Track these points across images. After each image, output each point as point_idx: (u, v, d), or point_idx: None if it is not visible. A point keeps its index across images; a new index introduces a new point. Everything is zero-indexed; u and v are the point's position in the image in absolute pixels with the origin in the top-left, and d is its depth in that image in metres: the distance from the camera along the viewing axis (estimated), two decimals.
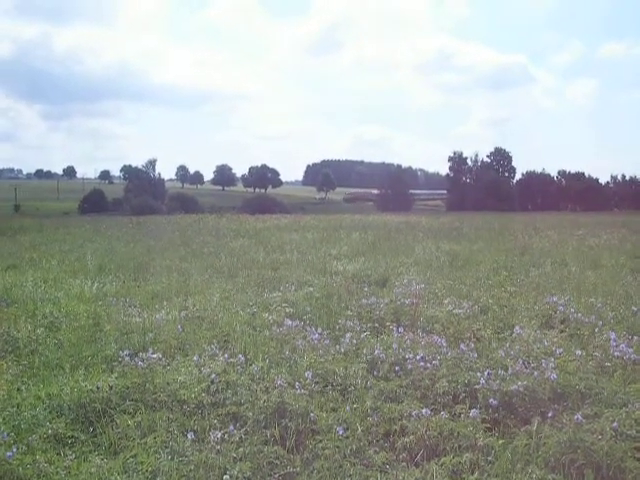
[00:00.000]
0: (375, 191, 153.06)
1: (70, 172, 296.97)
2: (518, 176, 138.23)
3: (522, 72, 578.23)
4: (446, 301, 13.60)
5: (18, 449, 6.48)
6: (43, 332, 11.59)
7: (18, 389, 8.49)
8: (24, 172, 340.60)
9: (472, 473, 5.99)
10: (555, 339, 10.17)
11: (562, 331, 11.28)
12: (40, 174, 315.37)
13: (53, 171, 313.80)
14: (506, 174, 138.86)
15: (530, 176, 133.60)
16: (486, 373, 8.10)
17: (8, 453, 6.25)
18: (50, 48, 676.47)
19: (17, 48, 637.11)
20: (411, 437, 6.70)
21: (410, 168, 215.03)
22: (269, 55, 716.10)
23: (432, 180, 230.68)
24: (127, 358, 9.04)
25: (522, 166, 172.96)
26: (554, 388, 7.80)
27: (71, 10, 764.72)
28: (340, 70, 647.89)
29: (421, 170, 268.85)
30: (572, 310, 12.43)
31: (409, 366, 8.73)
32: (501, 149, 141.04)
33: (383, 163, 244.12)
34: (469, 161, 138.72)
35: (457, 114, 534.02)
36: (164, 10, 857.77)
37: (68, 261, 23.22)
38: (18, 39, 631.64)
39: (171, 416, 7.43)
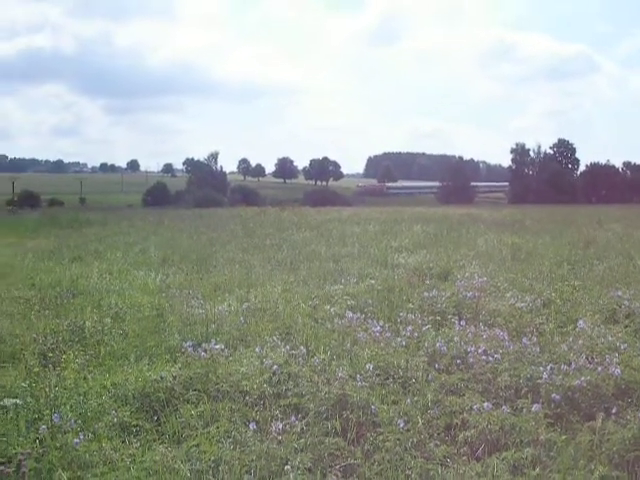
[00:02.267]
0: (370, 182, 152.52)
1: (134, 165, 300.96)
2: (582, 168, 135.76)
3: (584, 62, 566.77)
4: (508, 294, 13.45)
5: (85, 436, 6.63)
6: (108, 322, 11.83)
7: (84, 378, 8.66)
8: (89, 166, 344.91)
9: (534, 468, 5.93)
10: (620, 334, 9.96)
11: (627, 326, 11.07)
12: (105, 168, 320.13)
13: (117, 165, 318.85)
14: (569, 166, 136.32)
15: (594, 168, 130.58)
16: (549, 367, 8.03)
17: (75, 440, 6.42)
18: (112, 44, 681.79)
19: (79, 45, 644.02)
20: (472, 431, 6.67)
21: (472, 160, 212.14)
22: (326, 48, 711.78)
23: (494, 172, 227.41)
24: (190, 349, 9.17)
25: (584, 157, 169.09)
26: (618, 384, 7.70)
27: (132, 7, 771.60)
28: (398, 62, 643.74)
29: (483, 162, 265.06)
30: (638, 305, 12.17)
31: (470, 359, 8.69)
32: (564, 140, 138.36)
33: (444, 155, 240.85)
34: (532, 153, 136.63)
35: (516, 105, 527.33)
36: (223, 6, 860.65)
37: (132, 253, 23.65)
38: (80, 36, 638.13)
39: (233, 406, 7.50)
